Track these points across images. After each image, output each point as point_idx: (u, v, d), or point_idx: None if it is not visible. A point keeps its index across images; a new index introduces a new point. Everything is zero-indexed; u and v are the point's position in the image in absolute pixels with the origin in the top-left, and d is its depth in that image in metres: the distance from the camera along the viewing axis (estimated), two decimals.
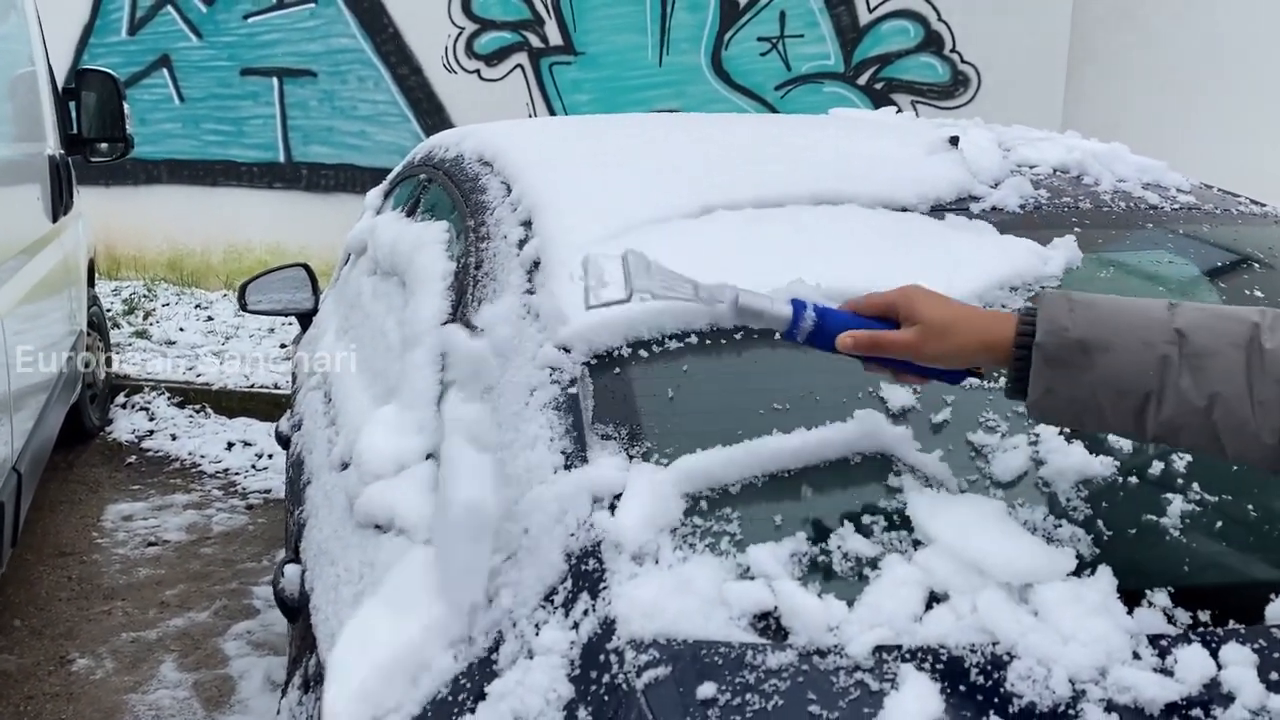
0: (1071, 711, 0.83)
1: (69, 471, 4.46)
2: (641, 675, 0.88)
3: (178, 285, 6.89)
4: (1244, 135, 5.87)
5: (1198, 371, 0.91)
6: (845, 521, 1.00)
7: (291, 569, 1.59)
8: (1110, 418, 0.95)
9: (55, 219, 3.91)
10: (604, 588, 0.97)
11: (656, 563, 0.97)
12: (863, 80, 6.40)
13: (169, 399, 5.23)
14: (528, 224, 1.52)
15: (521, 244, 1.48)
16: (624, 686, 0.88)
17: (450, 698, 1.01)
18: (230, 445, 4.82)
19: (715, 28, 6.47)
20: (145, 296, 6.62)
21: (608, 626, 0.94)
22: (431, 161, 2.28)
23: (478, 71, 6.65)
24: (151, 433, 4.98)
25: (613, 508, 1.03)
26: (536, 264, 1.42)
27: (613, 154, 1.77)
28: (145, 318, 6.26)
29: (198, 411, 5.17)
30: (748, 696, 0.85)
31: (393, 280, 2.00)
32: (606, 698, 0.88)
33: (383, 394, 1.67)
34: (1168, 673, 0.86)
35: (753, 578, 0.95)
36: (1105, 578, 0.94)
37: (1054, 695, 0.84)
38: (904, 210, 1.49)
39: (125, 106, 4.50)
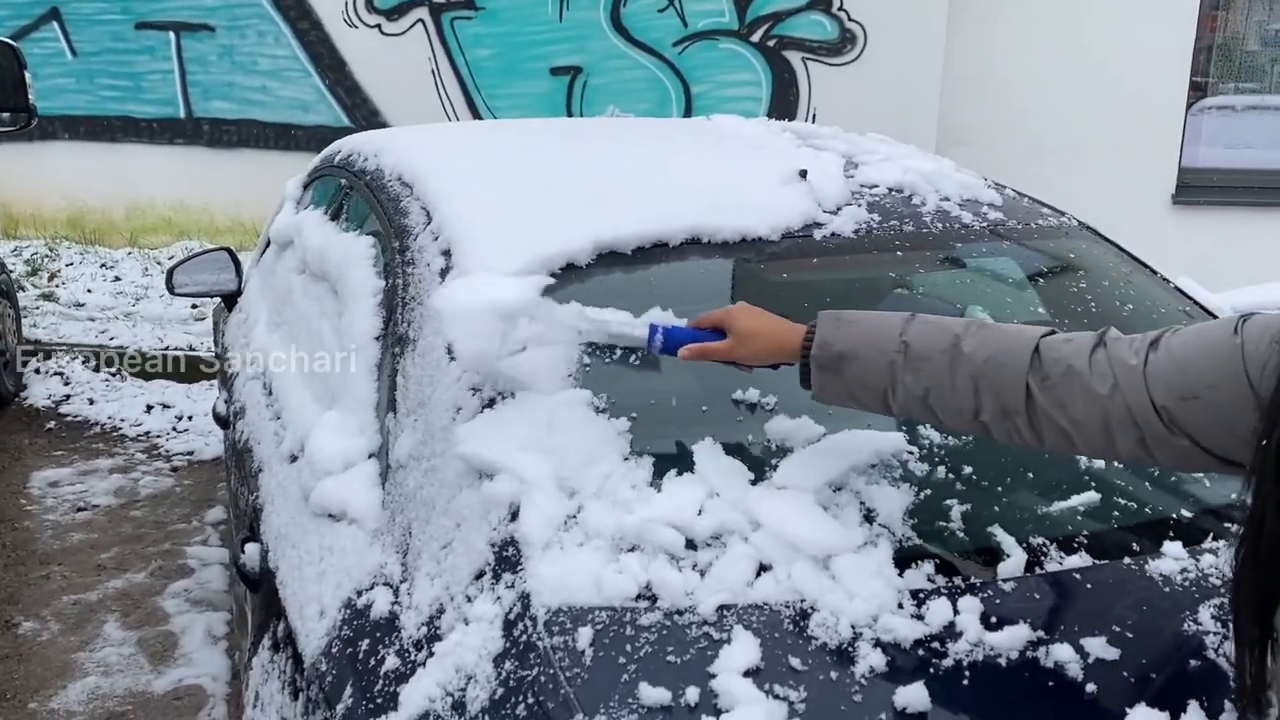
0: (850, 649, 1.18)
1: None
2: (551, 633, 1.21)
3: (80, 244, 6.88)
4: (1122, 67, 6.33)
5: (917, 371, 1.27)
6: (702, 512, 1.34)
7: (252, 547, 1.87)
8: (868, 404, 1.33)
9: None
10: (521, 569, 1.29)
11: (561, 549, 1.29)
12: (756, 37, 6.67)
13: (83, 363, 5.32)
14: (448, 254, 1.80)
15: (444, 274, 1.76)
16: (538, 643, 1.21)
17: (404, 655, 1.32)
18: (149, 408, 4.96)
19: None
20: (48, 257, 6.61)
21: (524, 598, 1.26)
22: (352, 168, 2.51)
23: (379, 26, 6.72)
24: (69, 397, 5.09)
25: (521, 509, 1.35)
26: None
27: (517, 182, 2.05)
28: (50, 279, 6.27)
29: (114, 375, 5.28)
30: (626, 647, 1.19)
31: (323, 284, 2.25)
32: (525, 651, 1.21)
33: (324, 395, 1.95)
34: (920, 618, 1.22)
35: (633, 557, 1.28)
36: (885, 548, 1.30)
37: (840, 637, 1.20)
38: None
39: (27, 75, 4.53)
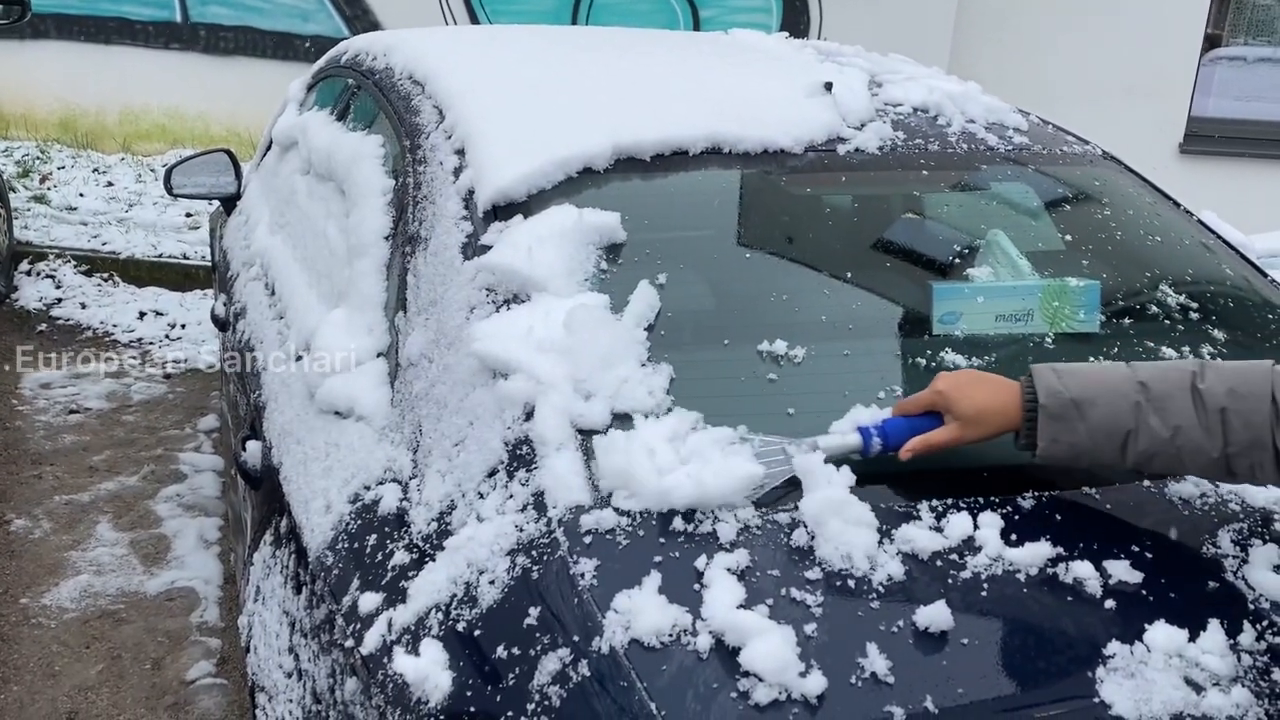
0: (869, 555, 1.17)
1: None
2: (564, 530, 1.19)
3: (73, 148, 6.74)
4: (1138, 14, 6.22)
5: (1162, 411, 1.20)
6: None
7: (254, 444, 1.85)
8: (1101, 454, 1.23)
9: None
10: (535, 468, 1.27)
11: (577, 450, 1.27)
12: None
13: (75, 267, 5.25)
14: (461, 153, 1.74)
15: (457, 172, 1.71)
16: (552, 538, 1.19)
17: (413, 549, 1.31)
18: (142, 315, 4.92)
19: None
20: (39, 159, 6.48)
21: (538, 496, 1.24)
22: (360, 68, 2.44)
23: None
24: (60, 301, 5.03)
25: (537, 408, 1.32)
26: (471, 192, 1.66)
27: (533, 83, 1.99)
28: (42, 181, 6.16)
29: (105, 280, 5.22)
30: (640, 545, 1.17)
31: (329, 185, 2.20)
32: (537, 547, 1.19)
33: (330, 295, 1.91)
34: (939, 530, 1.21)
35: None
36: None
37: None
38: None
39: None
